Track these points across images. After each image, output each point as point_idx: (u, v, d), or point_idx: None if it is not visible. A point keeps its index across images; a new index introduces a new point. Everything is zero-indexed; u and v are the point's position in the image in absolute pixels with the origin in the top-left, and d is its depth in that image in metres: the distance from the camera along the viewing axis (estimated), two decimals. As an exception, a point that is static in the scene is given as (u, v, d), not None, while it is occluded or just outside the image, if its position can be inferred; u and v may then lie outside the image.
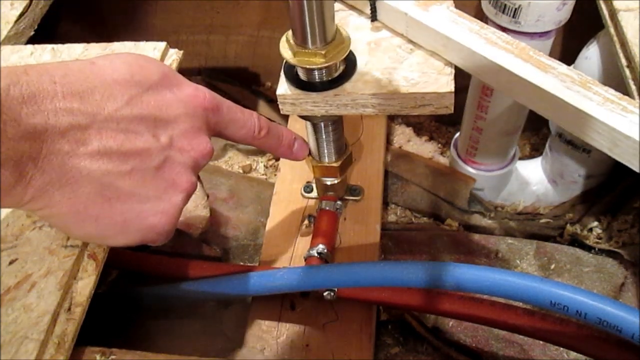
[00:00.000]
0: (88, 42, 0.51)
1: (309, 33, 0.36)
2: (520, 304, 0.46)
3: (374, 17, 0.42)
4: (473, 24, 0.39)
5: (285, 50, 0.38)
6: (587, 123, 0.34)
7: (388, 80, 0.38)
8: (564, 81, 0.35)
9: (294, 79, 0.40)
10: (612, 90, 0.35)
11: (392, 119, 0.82)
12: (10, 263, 0.41)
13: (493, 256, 0.64)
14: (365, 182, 0.59)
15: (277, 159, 0.79)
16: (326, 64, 0.37)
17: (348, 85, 0.39)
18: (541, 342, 0.53)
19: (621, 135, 0.33)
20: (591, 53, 0.55)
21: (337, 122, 0.46)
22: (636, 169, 0.34)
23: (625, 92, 0.39)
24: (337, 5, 0.44)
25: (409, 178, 0.71)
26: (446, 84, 0.37)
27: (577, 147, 0.64)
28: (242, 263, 0.64)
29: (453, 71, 0.38)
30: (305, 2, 0.33)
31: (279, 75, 0.42)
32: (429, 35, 0.39)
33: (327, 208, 0.53)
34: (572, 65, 0.58)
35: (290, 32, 0.37)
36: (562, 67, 0.36)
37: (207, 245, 0.65)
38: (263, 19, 0.79)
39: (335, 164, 0.50)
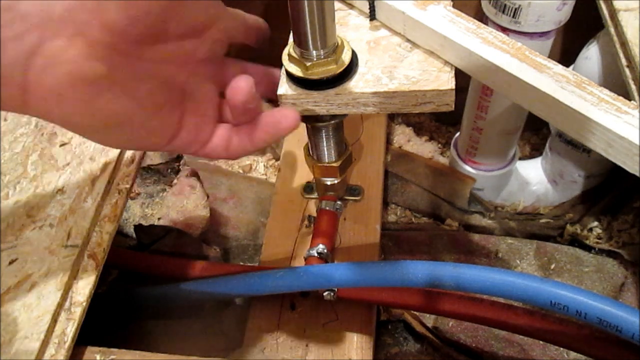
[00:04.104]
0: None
1: (310, 45, 0.36)
2: (520, 304, 0.46)
3: (372, 16, 0.42)
4: (470, 24, 0.39)
5: (290, 65, 0.38)
6: (581, 123, 0.34)
7: (389, 79, 0.38)
8: (559, 81, 0.35)
9: (294, 78, 0.40)
10: (606, 91, 0.35)
11: (392, 118, 0.82)
12: (10, 263, 0.41)
13: (493, 256, 0.64)
14: (365, 182, 0.59)
15: (277, 159, 0.79)
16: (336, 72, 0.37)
17: (349, 84, 0.39)
18: (541, 342, 0.53)
19: (615, 135, 0.33)
20: (591, 53, 0.55)
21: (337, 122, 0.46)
22: (630, 170, 0.34)
23: (626, 92, 0.39)
24: (337, 5, 0.44)
25: (409, 178, 0.71)
26: (447, 81, 0.37)
27: (577, 147, 0.64)
28: (242, 263, 0.64)
29: (454, 67, 0.39)
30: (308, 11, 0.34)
31: (278, 75, 0.42)
32: (426, 34, 0.39)
33: (327, 208, 0.53)
34: (572, 65, 0.58)
35: (291, 47, 0.38)
36: (558, 67, 0.36)
37: (207, 245, 0.65)
38: (263, 19, 0.79)
39: (335, 164, 0.50)
